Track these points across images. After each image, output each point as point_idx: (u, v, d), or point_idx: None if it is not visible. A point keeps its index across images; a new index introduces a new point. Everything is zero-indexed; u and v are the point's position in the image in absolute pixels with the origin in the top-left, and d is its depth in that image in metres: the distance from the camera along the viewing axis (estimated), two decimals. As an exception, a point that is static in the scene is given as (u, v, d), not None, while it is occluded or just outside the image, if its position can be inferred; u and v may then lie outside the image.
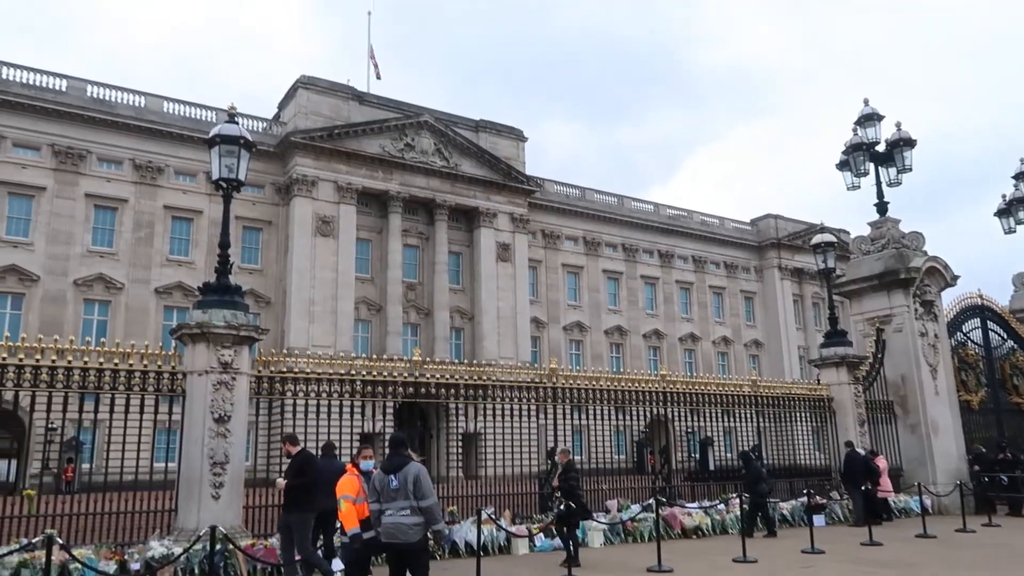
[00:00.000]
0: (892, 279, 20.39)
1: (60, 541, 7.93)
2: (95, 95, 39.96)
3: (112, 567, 9.61)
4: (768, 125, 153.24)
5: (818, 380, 20.05)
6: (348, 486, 8.30)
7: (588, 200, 56.70)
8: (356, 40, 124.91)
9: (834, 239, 20.43)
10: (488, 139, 49.69)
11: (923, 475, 18.56)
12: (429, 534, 7.48)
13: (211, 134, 12.31)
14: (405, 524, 7.11)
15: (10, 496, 11.86)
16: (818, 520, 15.75)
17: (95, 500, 11.17)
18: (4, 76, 37.60)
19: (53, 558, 7.57)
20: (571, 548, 11.53)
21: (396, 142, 45.50)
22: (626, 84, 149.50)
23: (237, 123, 12.61)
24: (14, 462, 32.60)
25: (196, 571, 10.01)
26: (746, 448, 17.22)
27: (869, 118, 20.93)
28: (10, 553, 8.61)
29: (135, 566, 9.80)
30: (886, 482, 17.40)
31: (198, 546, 9.40)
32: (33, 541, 8.29)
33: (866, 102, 21.08)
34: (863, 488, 16.03)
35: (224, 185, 12.17)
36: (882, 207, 21.17)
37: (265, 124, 44.84)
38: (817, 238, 20.13)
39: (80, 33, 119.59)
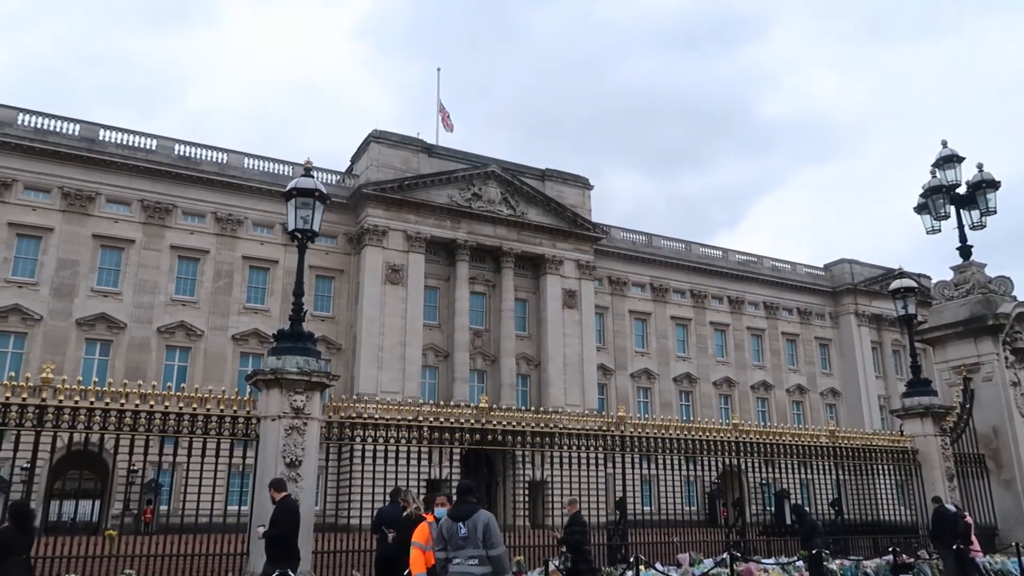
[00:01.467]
0: (979, 326, 19.44)
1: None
2: (181, 152, 42.24)
3: (186, 609, 9.78)
4: (837, 171, 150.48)
5: (901, 431, 19.13)
6: (419, 534, 8.23)
7: (655, 246, 56.31)
8: (426, 95, 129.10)
9: (914, 284, 19.67)
10: (554, 187, 50.12)
11: (1020, 534, 17.34)
12: None
13: (288, 187, 12.80)
14: (473, 574, 6.98)
15: (93, 536, 12.24)
16: (905, 581, 14.87)
17: (171, 542, 11.45)
18: (101, 137, 40.17)
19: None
20: None
21: (464, 192, 46.34)
22: (690, 133, 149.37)
23: (313, 177, 13.11)
24: (98, 503, 33.83)
25: (265, 616, 10.08)
26: (828, 500, 16.47)
27: (948, 160, 20.27)
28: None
29: (207, 609, 9.95)
30: (973, 541, 16.31)
31: (268, 590, 9.49)
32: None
33: (944, 144, 20.44)
34: (955, 547, 15.06)
35: (299, 236, 12.60)
36: (965, 251, 20.32)
37: (338, 177, 46.39)
38: (896, 283, 19.40)
39: (169, 100, 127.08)
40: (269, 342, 13.03)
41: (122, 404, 11.15)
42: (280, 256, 42.49)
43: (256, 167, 44.01)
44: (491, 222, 46.74)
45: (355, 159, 47.91)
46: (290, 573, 8.92)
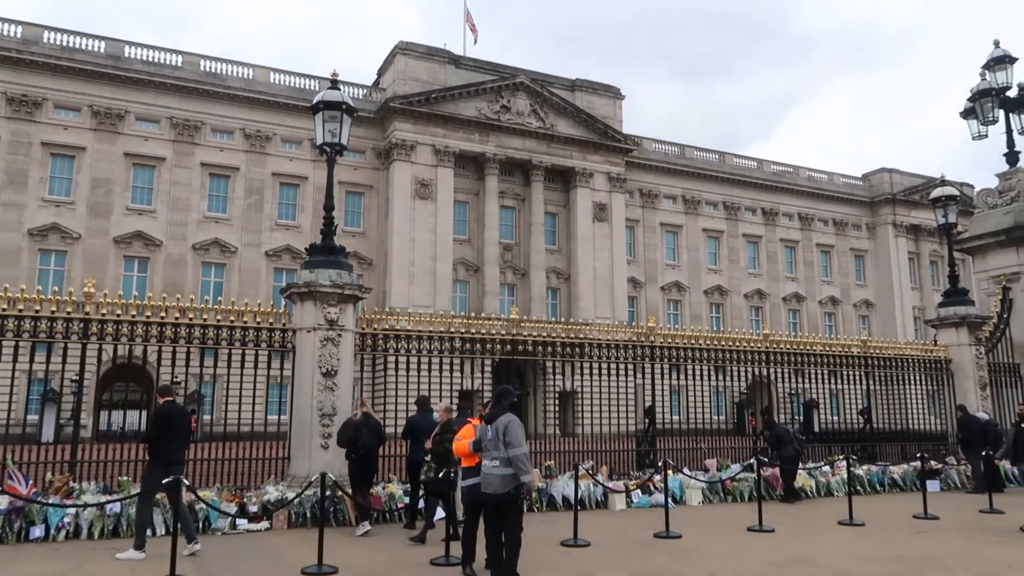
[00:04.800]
0: (1022, 234, 18.96)
1: (187, 483, 8.56)
2: (207, 69, 41.84)
3: (232, 509, 10.31)
4: (878, 80, 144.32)
5: (935, 341, 19.01)
6: (465, 434, 8.31)
7: (687, 157, 55.16)
8: (451, 9, 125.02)
9: (956, 192, 19.15)
10: (584, 98, 48.93)
11: (1052, 442, 17.35)
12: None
13: (315, 100, 12.72)
14: (495, 475, 7.19)
15: (142, 443, 12.79)
16: (932, 486, 15.06)
17: (216, 448, 11.98)
18: (126, 55, 39.88)
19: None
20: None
21: (492, 104, 45.50)
22: (721, 42, 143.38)
23: (339, 89, 12.98)
24: (144, 413, 35.30)
25: (308, 515, 10.60)
26: (857, 410, 16.56)
27: (1000, 61, 19.31)
28: (146, 492, 9.32)
29: (253, 508, 10.48)
30: None
31: (309, 492, 9.94)
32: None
33: (996, 44, 19.44)
34: (984, 454, 15.16)
35: (328, 150, 12.58)
36: (1012, 157, 19.61)
37: (365, 91, 45.74)
38: (937, 191, 18.90)
39: (193, 24, 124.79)
40: (302, 257, 13.22)
41: (162, 317, 11.47)
42: (309, 172, 42.50)
43: (283, 82, 43.52)
44: (520, 135, 46.00)
45: (381, 72, 47.08)
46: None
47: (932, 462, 15.93)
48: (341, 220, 39.67)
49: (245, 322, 11.97)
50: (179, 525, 8.06)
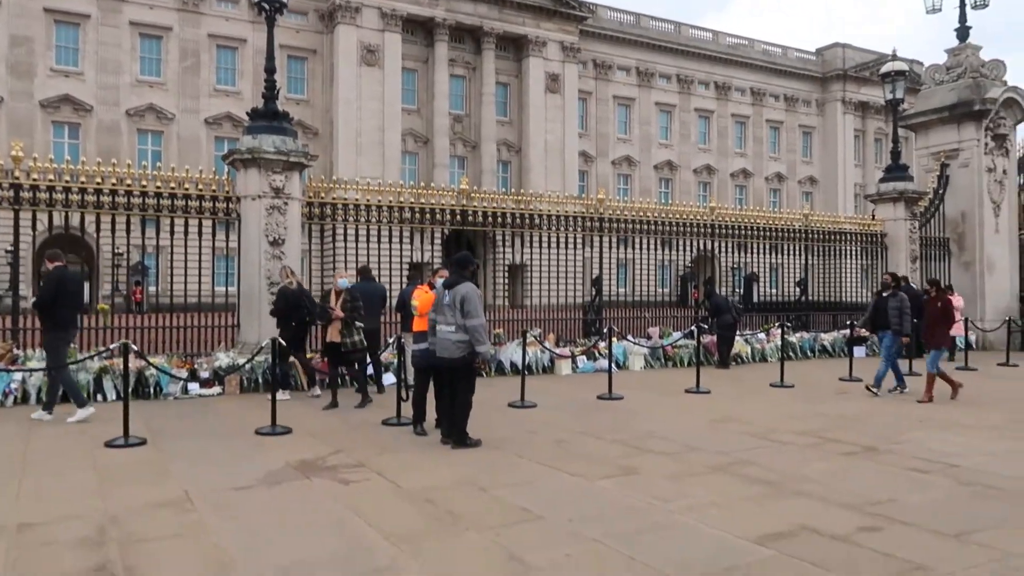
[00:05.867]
0: (965, 111, 19.28)
1: (135, 348, 8.55)
2: (128, -87, 38.31)
3: (184, 374, 10.40)
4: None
5: (873, 216, 19.62)
6: (420, 296, 8.34)
7: (642, 27, 53.69)
8: None
9: (905, 68, 19.17)
10: (538, -41, 46.62)
11: (972, 312, 18.43)
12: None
13: (249, -50, 11.86)
14: (449, 340, 7.37)
15: (84, 314, 12.64)
16: (859, 351, 15.99)
17: (162, 318, 11.91)
18: None
19: (130, 366, 8.18)
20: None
21: (441, -37, 43.12)
22: None
23: (274, -62, 12.06)
24: (86, 284, 34.62)
25: (259, 380, 10.78)
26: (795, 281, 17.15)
27: (960, -71, 18.93)
28: (91, 358, 9.33)
29: (204, 374, 10.59)
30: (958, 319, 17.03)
31: (260, 358, 10.05)
32: (111, 347, 8.93)
33: (958, -90, 18.98)
34: (913, 320, 15.97)
35: (266, 6, 11.85)
36: (963, 32, 19.60)
37: (304, -56, 42.74)
38: (887, 66, 18.90)
39: None
40: (244, 125, 12.71)
41: (99, 183, 11.05)
42: (248, 34, 40.20)
43: (213, -69, 40.29)
44: (471, -1, 43.98)
45: (322, -77, 43.82)
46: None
47: (860, 330, 16.79)
48: (284, 87, 37.85)
49: (187, 190, 11.63)
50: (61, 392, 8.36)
